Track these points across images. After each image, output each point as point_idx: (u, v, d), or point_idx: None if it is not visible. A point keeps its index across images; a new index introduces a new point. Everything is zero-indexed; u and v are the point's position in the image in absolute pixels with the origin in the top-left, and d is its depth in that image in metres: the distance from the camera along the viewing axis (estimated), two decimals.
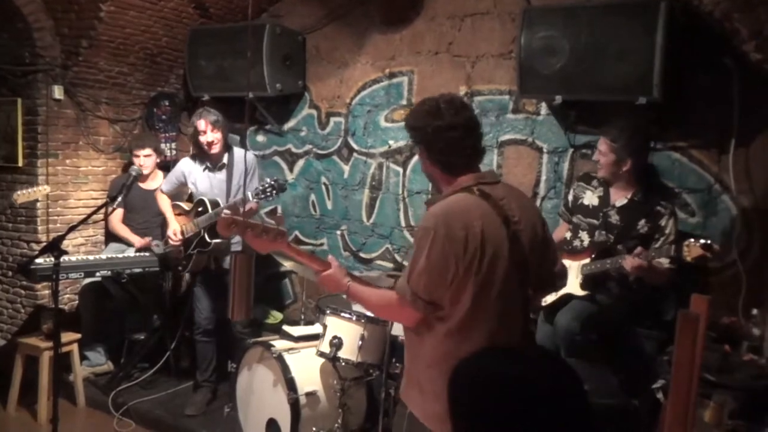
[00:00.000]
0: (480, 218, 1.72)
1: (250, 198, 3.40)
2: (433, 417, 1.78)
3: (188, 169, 3.81)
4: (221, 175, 3.73)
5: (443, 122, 1.79)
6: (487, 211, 1.75)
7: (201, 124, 3.61)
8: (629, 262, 2.84)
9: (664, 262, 2.89)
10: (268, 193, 3.38)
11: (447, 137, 1.80)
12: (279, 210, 4.59)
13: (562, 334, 3.00)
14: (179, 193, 3.98)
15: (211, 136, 3.61)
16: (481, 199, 1.76)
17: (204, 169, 3.76)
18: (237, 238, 3.64)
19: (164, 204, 3.90)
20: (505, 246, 1.75)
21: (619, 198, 3.11)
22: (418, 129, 1.85)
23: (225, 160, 3.73)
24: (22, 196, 3.69)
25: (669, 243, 2.90)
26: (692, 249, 2.69)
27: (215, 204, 3.61)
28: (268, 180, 3.44)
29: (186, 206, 3.88)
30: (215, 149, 3.66)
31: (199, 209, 3.69)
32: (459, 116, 1.81)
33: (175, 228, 3.76)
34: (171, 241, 3.75)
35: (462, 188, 1.80)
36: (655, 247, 2.91)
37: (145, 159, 4.26)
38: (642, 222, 3.01)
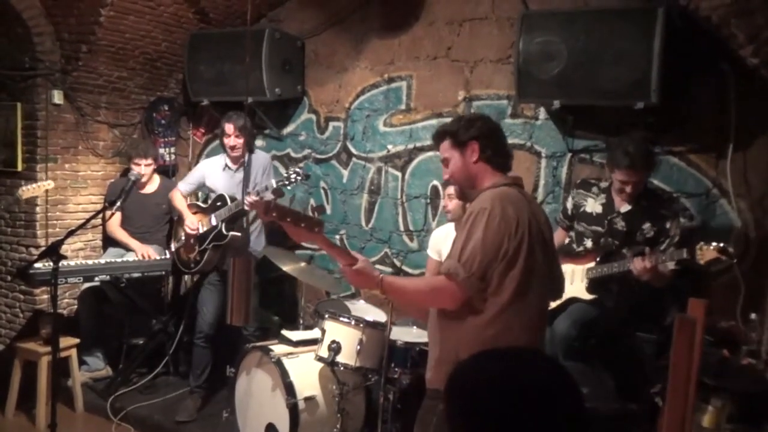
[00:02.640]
0: (524, 210, 1.89)
1: (274, 185, 3.45)
2: None
3: (209, 170, 3.94)
4: (240, 174, 3.83)
5: (493, 126, 2.05)
6: (527, 206, 1.92)
7: (229, 127, 3.76)
8: (638, 265, 2.82)
9: (669, 264, 2.87)
10: (293, 180, 3.45)
11: (499, 137, 2.04)
12: (314, 203, 4.60)
13: (559, 339, 2.99)
14: (194, 195, 4.07)
15: (234, 140, 3.76)
16: (521, 195, 1.96)
17: (224, 168, 3.88)
18: (254, 234, 3.84)
19: (179, 202, 3.97)
20: (541, 240, 1.92)
21: (624, 204, 3.08)
22: (472, 128, 2.01)
23: (245, 160, 3.85)
24: (27, 191, 3.71)
25: (674, 245, 2.91)
26: (706, 252, 2.66)
27: (233, 199, 3.69)
28: (293, 169, 3.54)
29: (202, 204, 3.97)
30: (236, 152, 3.80)
31: (218, 204, 3.77)
32: (499, 126, 2.08)
33: (193, 219, 3.84)
34: (189, 231, 3.81)
35: (505, 183, 1.97)
36: (663, 250, 2.89)
37: (146, 168, 4.26)
38: (647, 225, 3.00)
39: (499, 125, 2.09)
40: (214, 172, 3.92)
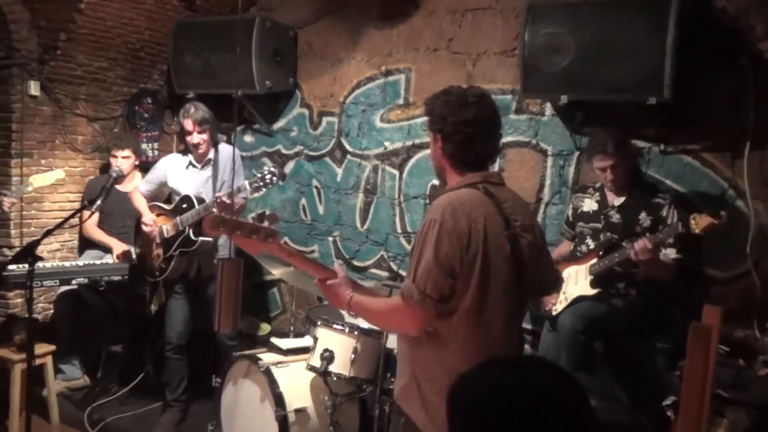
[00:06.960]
0: (483, 216, 1.76)
1: (247, 187, 3.32)
2: (443, 425, 1.79)
3: (170, 168, 3.80)
4: (206, 172, 3.73)
5: (466, 116, 1.82)
6: (491, 210, 1.79)
7: (188, 124, 3.60)
8: (637, 245, 2.90)
9: (671, 254, 3.00)
10: (268, 181, 3.27)
11: (466, 132, 1.83)
12: (267, 211, 4.58)
13: (565, 333, 3.04)
14: (158, 194, 3.95)
15: (197, 137, 3.62)
16: (486, 197, 1.81)
17: (187, 167, 3.75)
18: (223, 238, 3.63)
19: (139, 202, 3.84)
20: (506, 248, 1.80)
21: (617, 198, 3.22)
22: (439, 117, 1.87)
23: (211, 155, 3.74)
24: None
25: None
26: (700, 220, 2.78)
27: (201, 201, 3.56)
28: (267, 168, 3.35)
29: (166, 206, 3.82)
30: (201, 149, 3.68)
31: (184, 206, 3.62)
32: (483, 113, 1.85)
33: (151, 216, 3.72)
34: (145, 228, 3.69)
35: (468, 184, 1.84)
36: (663, 230, 2.99)
37: (123, 160, 4.25)
38: (643, 215, 3.12)
39: (491, 114, 1.88)
40: (176, 171, 3.76)
